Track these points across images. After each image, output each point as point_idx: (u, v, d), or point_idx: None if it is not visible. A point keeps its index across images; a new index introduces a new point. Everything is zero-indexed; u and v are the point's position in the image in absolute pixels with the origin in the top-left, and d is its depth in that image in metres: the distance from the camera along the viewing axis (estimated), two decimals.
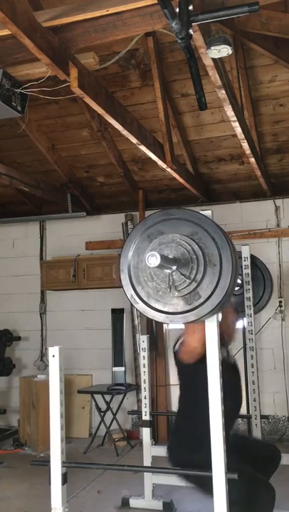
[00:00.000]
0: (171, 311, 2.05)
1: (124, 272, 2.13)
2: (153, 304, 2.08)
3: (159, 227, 2.12)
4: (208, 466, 2.12)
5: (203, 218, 2.08)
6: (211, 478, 2.09)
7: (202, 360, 2.33)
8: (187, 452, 2.67)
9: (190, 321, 2.06)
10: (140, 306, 2.10)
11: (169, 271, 2.00)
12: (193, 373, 2.60)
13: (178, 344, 2.67)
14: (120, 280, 2.15)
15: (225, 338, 2.82)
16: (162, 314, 2.07)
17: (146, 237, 2.11)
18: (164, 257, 1.88)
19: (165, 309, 2.06)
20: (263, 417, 3.93)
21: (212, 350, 2.07)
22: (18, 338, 6.25)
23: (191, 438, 2.65)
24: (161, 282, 2.04)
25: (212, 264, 1.99)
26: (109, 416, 5.50)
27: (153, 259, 1.79)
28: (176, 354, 2.69)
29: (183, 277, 2.00)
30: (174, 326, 5.48)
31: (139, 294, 2.10)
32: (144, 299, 2.09)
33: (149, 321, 5.73)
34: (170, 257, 2.01)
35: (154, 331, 5.78)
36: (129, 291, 2.12)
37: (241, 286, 3.80)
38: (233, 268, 2.02)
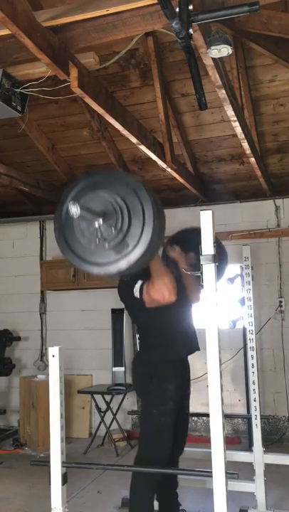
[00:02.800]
0: (104, 261, 2.22)
1: (59, 233, 2.31)
2: (88, 259, 2.25)
3: (86, 189, 2.29)
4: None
5: (122, 175, 2.34)
6: None
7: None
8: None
9: (122, 269, 2.21)
10: (76, 261, 2.27)
11: (96, 224, 2.17)
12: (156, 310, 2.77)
13: (138, 289, 2.74)
14: (57, 241, 2.33)
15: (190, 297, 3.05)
16: (96, 266, 2.24)
17: (74, 198, 2.25)
18: (85, 208, 2.06)
19: (99, 261, 2.23)
20: (263, 417, 3.92)
21: (212, 350, 2.07)
22: (18, 338, 6.25)
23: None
24: (91, 237, 2.22)
25: (135, 215, 2.18)
26: (109, 416, 5.50)
27: (74, 209, 1.95)
28: (138, 300, 2.77)
29: (111, 230, 2.18)
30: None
31: (75, 251, 2.27)
32: (80, 254, 2.26)
33: None
34: (95, 209, 2.18)
35: None
36: (66, 252, 2.29)
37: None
38: (155, 215, 2.20)
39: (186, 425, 3.13)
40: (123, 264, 2.19)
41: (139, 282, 2.75)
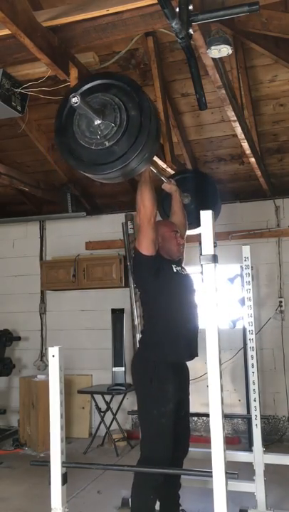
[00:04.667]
0: (107, 160, 2.35)
1: (59, 137, 2.44)
2: (90, 160, 2.39)
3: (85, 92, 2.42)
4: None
5: (119, 77, 2.48)
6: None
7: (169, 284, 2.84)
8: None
9: (128, 162, 2.34)
10: (79, 166, 2.40)
11: (96, 121, 2.30)
12: (163, 299, 2.88)
13: (132, 249, 2.87)
14: (57, 146, 2.47)
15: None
16: (99, 167, 2.37)
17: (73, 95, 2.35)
18: (86, 102, 2.20)
19: (100, 160, 2.36)
20: (263, 417, 3.92)
21: (212, 350, 2.07)
22: (18, 338, 6.25)
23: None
24: (92, 136, 2.33)
25: (132, 112, 2.32)
26: (109, 416, 5.50)
27: (75, 99, 2.09)
28: (136, 254, 2.89)
29: (110, 126, 2.30)
30: None
31: (78, 156, 2.39)
32: (82, 157, 2.39)
33: None
34: (95, 107, 2.31)
35: None
36: (68, 157, 2.41)
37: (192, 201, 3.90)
38: (152, 114, 2.39)
39: (187, 426, 3.13)
40: (124, 159, 2.32)
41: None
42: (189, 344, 2.98)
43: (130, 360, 5.81)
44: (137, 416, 3.17)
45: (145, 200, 2.77)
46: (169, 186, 3.40)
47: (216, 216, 3.29)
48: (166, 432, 2.79)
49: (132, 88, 2.40)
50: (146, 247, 2.84)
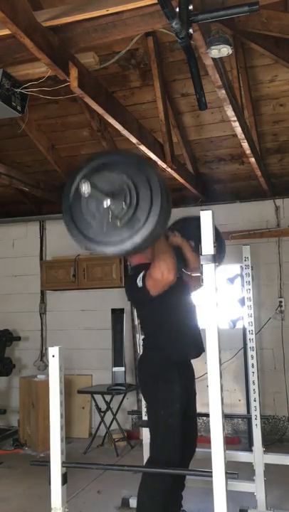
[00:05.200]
0: (118, 240, 2.26)
1: (68, 216, 2.34)
2: (100, 239, 2.29)
3: (93, 171, 2.32)
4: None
5: (127, 155, 2.40)
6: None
7: (168, 290, 2.72)
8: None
9: (137, 244, 2.26)
10: (90, 245, 2.31)
11: (106, 203, 2.21)
12: (162, 302, 2.82)
13: (140, 278, 2.78)
14: (66, 225, 2.36)
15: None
16: (111, 247, 2.28)
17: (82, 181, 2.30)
18: (95, 185, 2.13)
19: (112, 240, 2.27)
20: (263, 417, 3.92)
21: (212, 350, 2.07)
22: (18, 338, 6.25)
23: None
24: (102, 217, 2.25)
25: (143, 190, 2.24)
26: (109, 416, 5.50)
27: (85, 186, 2.02)
28: (142, 289, 2.78)
29: (121, 206, 2.22)
30: None
31: (87, 235, 2.30)
32: (92, 237, 2.30)
33: None
34: (104, 188, 2.23)
35: None
36: (76, 236, 2.32)
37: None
38: (162, 189, 2.27)
39: (194, 426, 3.12)
40: (137, 239, 2.24)
41: (142, 272, 2.79)
42: (194, 341, 2.99)
43: (130, 361, 5.85)
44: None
45: (164, 270, 2.69)
46: (176, 239, 3.25)
47: (221, 258, 3.31)
48: (174, 432, 2.78)
49: (140, 165, 2.31)
50: (156, 292, 2.77)
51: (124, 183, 2.25)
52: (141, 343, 3.84)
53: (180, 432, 2.79)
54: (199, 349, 3.00)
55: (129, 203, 2.22)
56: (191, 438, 3.02)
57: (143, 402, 3.88)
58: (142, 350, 3.10)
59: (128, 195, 2.23)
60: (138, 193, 2.24)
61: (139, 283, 2.77)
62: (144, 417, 3.81)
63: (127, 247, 2.26)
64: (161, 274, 2.69)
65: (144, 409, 3.81)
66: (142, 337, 3.18)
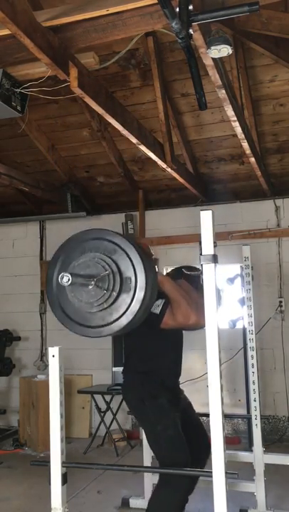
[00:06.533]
0: (96, 324, 2.27)
1: (51, 294, 2.34)
2: (80, 321, 2.30)
3: (88, 246, 2.32)
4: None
5: (128, 245, 2.28)
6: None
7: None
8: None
9: (102, 335, 2.28)
10: (78, 329, 2.31)
11: (89, 287, 2.19)
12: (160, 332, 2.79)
13: (160, 307, 2.72)
14: (49, 302, 2.37)
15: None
16: (90, 329, 2.29)
17: (65, 261, 2.34)
18: (75, 275, 2.11)
19: (92, 324, 2.27)
20: (263, 417, 3.92)
21: (212, 350, 2.07)
22: (18, 338, 6.25)
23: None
24: (80, 296, 2.23)
25: (127, 287, 2.22)
26: (109, 416, 5.50)
27: (65, 279, 2.01)
28: (155, 317, 2.73)
29: (102, 292, 2.19)
30: None
31: (67, 313, 2.31)
32: (72, 316, 2.30)
33: None
34: (84, 273, 2.21)
35: None
36: (58, 312, 2.33)
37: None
38: (148, 279, 2.23)
39: (200, 426, 3.10)
40: (115, 328, 2.25)
41: (161, 300, 2.73)
42: (174, 373, 3.01)
43: None
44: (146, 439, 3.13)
45: (192, 315, 2.66)
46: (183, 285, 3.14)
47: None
48: (177, 441, 2.75)
49: (123, 247, 2.27)
50: (166, 327, 2.76)
51: (106, 263, 2.23)
52: None
53: (182, 438, 2.76)
54: (176, 381, 3.02)
55: (112, 288, 2.21)
56: (199, 439, 2.97)
57: None
58: (123, 377, 3.06)
59: (111, 279, 2.20)
60: (121, 274, 2.22)
61: (156, 310, 2.72)
62: None
63: (105, 332, 2.27)
64: (188, 319, 2.67)
65: None
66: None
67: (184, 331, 3.03)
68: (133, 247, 2.27)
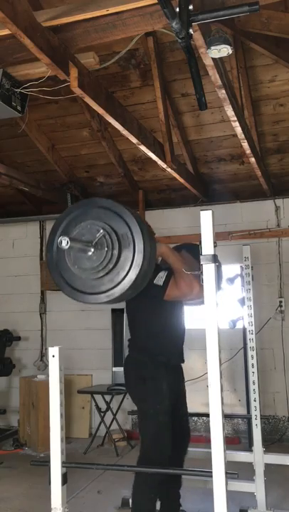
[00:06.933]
0: (96, 291, 2.28)
1: (51, 259, 2.36)
2: (90, 291, 2.31)
3: (79, 217, 2.33)
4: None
5: (116, 205, 2.33)
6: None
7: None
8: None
9: (115, 297, 2.28)
10: (67, 290, 2.33)
11: (89, 253, 2.23)
12: (160, 306, 2.84)
13: (163, 279, 2.76)
14: (56, 283, 2.39)
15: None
16: (102, 295, 2.29)
17: (67, 227, 2.35)
18: (74, 239, 2.13)
19: (103, 289, 2.28)
20: (263, 417, 3.92)
21: (212, 350, 2.07)
22: (18, 338, 6.25)
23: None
24: (84, 265, 2.25)
25: (126, 242, 2.25)
26: (109, 416, 5.50)
27: (64, 242, 2.01)
28: (159, 288, 2.76)
29: (102, 257, 2.22)
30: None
31: (75, 287, 2.33)
32: (81, 289, 2.32)
33: None
34: (85, 238, 2.24)
35: None
36: (69, 291, 2.34)
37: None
38: (143, 230, 2.26)
39: (185, 425, 3.13)
40: (116, 293, 2.26)
41: (164, 271, 2.78)
42: (177, 348, 3.02)
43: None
44: (136, 417, 3.17)
45: (195, 286, 2.69)
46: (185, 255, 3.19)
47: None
48: (163, 429, 2.80)
49: (118, 212, 2.31)
50: (169, 299, 2.81)
51: (105, 231, 2.25)
52: None
53: (169, 429, 2.82)
54: (180, 357, 3.04)
55: (110, 256, 2.23)
56: (182, 437, 3.03)
57: None
58: (127, 352, 3.09)
59: (110, 246, 2.23)
60: (120, 243, 2.25)
61: (159, 281, 2.76)
62: None
63: (103, 299, 2.29)
64: (191, 289, 2.71)
65: None
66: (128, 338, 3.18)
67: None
68: (121, 206, 2.30)
